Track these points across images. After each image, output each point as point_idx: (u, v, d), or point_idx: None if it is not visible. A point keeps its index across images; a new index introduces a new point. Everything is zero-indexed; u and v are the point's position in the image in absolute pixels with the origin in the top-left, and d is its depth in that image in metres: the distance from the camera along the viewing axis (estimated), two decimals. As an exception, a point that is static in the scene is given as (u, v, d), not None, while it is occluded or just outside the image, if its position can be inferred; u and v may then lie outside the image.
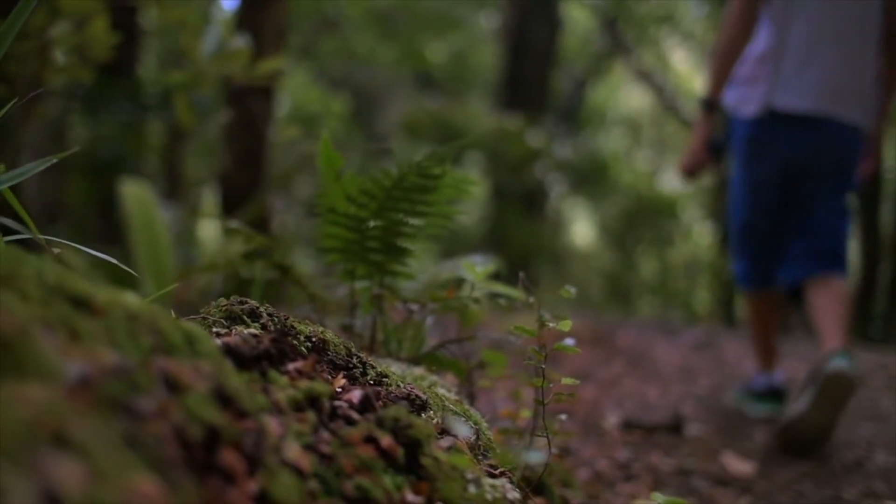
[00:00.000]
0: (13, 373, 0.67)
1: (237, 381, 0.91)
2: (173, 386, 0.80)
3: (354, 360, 1.34)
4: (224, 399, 0.86)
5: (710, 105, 4.53)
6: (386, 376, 1.36)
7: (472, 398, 2.00)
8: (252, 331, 1.21)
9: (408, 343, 1.93)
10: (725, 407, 4.72)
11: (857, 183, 4.52)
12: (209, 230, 9.70)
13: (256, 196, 4.88)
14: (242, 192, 4.94)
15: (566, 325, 1.59)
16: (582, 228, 21.15)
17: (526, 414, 1.94)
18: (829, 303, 4.16)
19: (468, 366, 2.00)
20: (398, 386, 1.35)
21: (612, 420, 4.18)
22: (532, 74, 13.19)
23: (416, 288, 2.01)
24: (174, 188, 9.74)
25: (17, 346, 0.69)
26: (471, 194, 1.87)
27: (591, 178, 15.46)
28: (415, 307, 1.93)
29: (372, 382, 1.33)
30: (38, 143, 4.74)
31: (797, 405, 3.71)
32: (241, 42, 3.32)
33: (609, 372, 5.62)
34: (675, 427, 4.03)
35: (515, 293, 2.02)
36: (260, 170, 5.01)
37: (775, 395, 4.63)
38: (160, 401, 0.76)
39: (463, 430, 1.22)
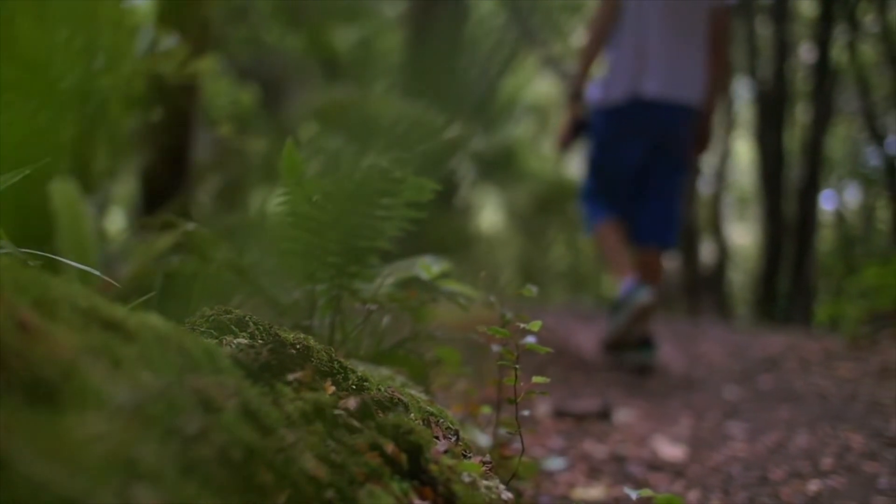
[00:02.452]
0: (70, 402, 0.68)
1: (257, 397, 0.93)
2: (207, 405, 0.81)
3: (336, 366, 1.36)
4: (250, 415, 0.87)
5: (576, 94, 5.79)
6: (366, 380, 1.38)
7: (431, 397, 2.02)
8: (241, 341, 1.22)
9: (366, 343, 1.95)
10: (650, 392, 4.81)
11: (691, 155, 5.89)
12: (117, 225, 9.56)
13: (182, 191, 4.84)
14: (167, 187, 4.89)
15: (536, 326, 1.63)
16: (491, 216, 21.25)
17: (486, 410, 1.98)
18: (645, 275, 5.53)
19: (424, 364, 2.03)
20: (378, 390, 1.37)
21: (541, 409, 4.24)
22: (441, 63, 13.17)
23: (373, 288, 2.02)
24: (83, 183, 9.56)
25: (71, 375, 0.70)
26: (430, 196, 1.91)
27: (499, 166, 15.55)
28: (373, 307, 1.95)
29: (354, 387, 1.34)
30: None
31: (616, 320, 5.32)
32: (172, 41, 3.29)
33: (534, 360, 5.68)
34: (604, 414, 4.10)
35: (472, 292, 2.06)
36: (185, 165, 4.97)
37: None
38: (202, 422, 0.78)
39: (484, 440, 1.25)
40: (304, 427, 1.01)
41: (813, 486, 2.96)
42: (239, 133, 9.07)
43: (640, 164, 5.57)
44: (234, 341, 1.22)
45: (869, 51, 16.53)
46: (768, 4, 15.74)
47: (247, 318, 1.32)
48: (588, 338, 6.81)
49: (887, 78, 16.01)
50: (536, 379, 1.62)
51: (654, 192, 5.63)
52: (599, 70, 5.78)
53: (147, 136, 5.11)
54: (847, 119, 18.43)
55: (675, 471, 3.29)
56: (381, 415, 1.18)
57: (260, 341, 1.25)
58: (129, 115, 3.53)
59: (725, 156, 18.85)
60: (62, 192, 3.67)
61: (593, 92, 5.71)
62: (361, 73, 17.08)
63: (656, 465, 3.38)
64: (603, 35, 5.52)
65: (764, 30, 16.05)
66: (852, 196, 21.32)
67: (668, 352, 6.08)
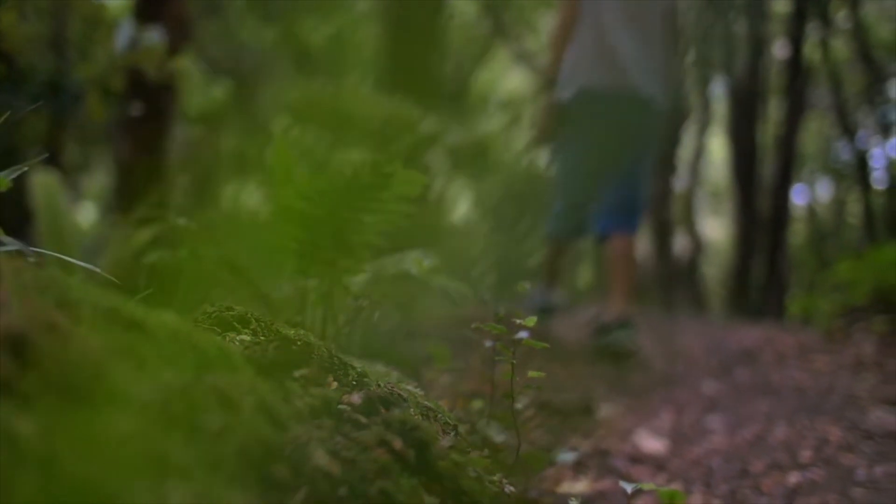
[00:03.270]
0: (102, 402, 0.68)
1: (270, 394, 0.93)
2: (226, 403, 0.81)
3: (336, 362, 1.36)
4: (265, 412, 0.87)
5: (549, 83, 5.98)
6: (366, 376, 1.38)
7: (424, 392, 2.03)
8: (244, 338, 1.21)
9: (357, 338, 1.95)
10: (632, 386, 4.84)
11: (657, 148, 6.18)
12: (89, 218, 9.51)
13: (158, 186, 4.81)
14: (143, 181, 4.85)
15: (531, 322, 1.64)
16: (464, 209, 21.25)
17: (478, 404, 1.99)
18: (620, 264, 5.70)
19: (415, 359, 2.04)
20: (378, 385, 1.37)
21: (524, 402, 4.24)
22: (416, 57, 13.15)
23: (363, 283, 2.02)
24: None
25: (101, 376, 0.70)
26: (420, 191, 1.92)
27: (472, 159, 15.54)
28: (364, 303, 1.95)
29: (354, 383, 1.34)
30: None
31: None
32: (154, 37, 3.28)
33: (515, 353, 5.67)
34: (586, 409, 4.11)
35: (463, 287, 2.06)
36: (162, 160, 4.95)
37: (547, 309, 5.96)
38: (223, 420, 0.78)
39: (500, 437, 1.26)
40: (313, 423, 1.01)
41: (793, 478, 2.98)
42: (212, 128, 9.06)
43: (608, 153, 5.83)
44: (238, 338, 1.22)
45: (841, 47, 16.64)
46: (742, 2, 15.81)
47: (249, 315, 1.32)
48: (568, 331, 6.81)
49: (859, 74, 16.13)
50: (532, 374, 1.63)
51: (620, 181, 5.86)
52: (565, 64, 5.97)
53: (125, 130, 5.08)
54: (819, 115, 18.55)
55: (657, 464, 3.32)
56: (384, 411, 1.18)
57: (262, 338, 1.25)
58: (107, 110, 3.51)
59: (699, 151, 18.94)
60: (43, 184, 3.65)
61: (560, 86, 5.95)
62: (335, 67, 17.05)
63: (638, 458, 3.40)
64: (567, 28, 5.85)
65: (738, 27, 16.12)
66: (824, 191, 21.50)
67: (648, 346, 6.10)
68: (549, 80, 6.06)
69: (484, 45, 19.93)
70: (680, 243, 16.61)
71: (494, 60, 21.14)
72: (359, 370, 1.38)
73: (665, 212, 15.19)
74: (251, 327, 1.28)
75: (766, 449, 3.41)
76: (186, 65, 3.40)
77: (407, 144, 10.43)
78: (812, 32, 15.71)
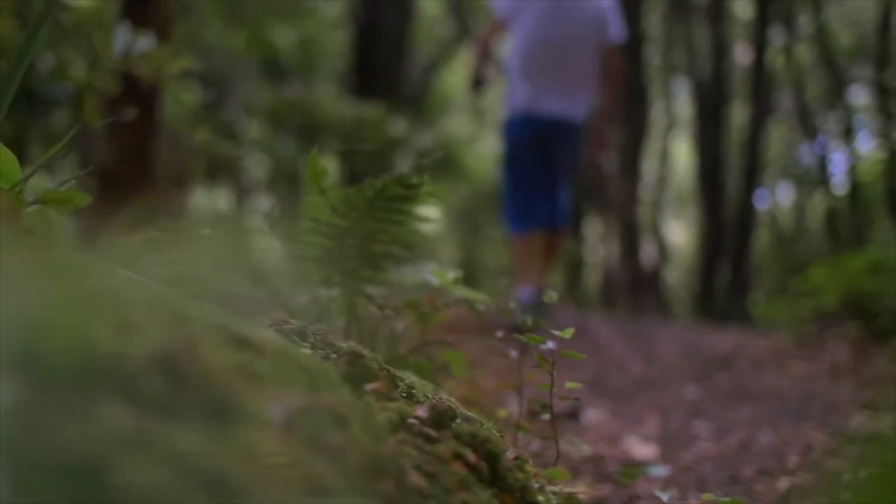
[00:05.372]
0: (241, 421, 0.69)
1: (366, 409, 0.94)
2: (338, 420, 0.83)
3: (385, 373, 1.36)
4: (368, 428, 0.89)
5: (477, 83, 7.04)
6: (413, 388, 1.39)
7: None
8: (304, 352, 1.22)
9: (382, 348, 1.97)
10: (614, 391, 4.86)
11: (580, 162, 7.25)
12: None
13: (145, 191, 4.78)
14: (128, 187, 4.83)
15: (568, 334, 1.66)
16: (430, 213, 21.22)
17: (503, 413, 2.00)
18: (546, 254, 6.69)
19: (435, 368, 2.05)
20: (426, 397, 1.38)
21: (513, 409, 4.26)
22: (384, 61, 13.18)
23: (384, 293, 2.04)
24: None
25: (227, 394, 0.71)
26: (445, 202, 1.95)
27: (438, 163, 15.58)
28: (389, 312, 1.97)
29: (404, 395, 1.35)
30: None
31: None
32: (148, 42, 3.28)
33: (500, 360, 5.69)
34: (573, 414, 4.13)
35: (485, 297, 2.09)
36: (150, 166, 4.93)
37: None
38: (341, 437, 0.79)
39: (583, 447, 1.27)
40: (393, 437, 1.03)
41: (782, 483, 3.01)
42: (183, 131, 9.03)
43: (540, 163, 6.67)
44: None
45: (804, 52, 16.82)
46: (705, 5, 15.94)
47: (306, 329, 1.32)
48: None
49: (821, 79, 16.31)
50: (570, 385, 1.65)
51: (553, 188, 6.75)
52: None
53: (109, 136, 5.04)
54: (780, 120, 18.73)
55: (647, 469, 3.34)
56: (451, 424, 1.19)
57: (319, 351, 1.26)
58: (100, 114, 3.50)
59: (664, 155, 19.07)
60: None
61: (505, 103, 7.05)
62: (304, 71, 17.04)
63: (631, 464, 3.42)
64: (486, 49, 7.03)
65: (701, 30, 16.25)
66: (785, 195, 21.70)
67: (624, 351, 6.14)
68: (477, 72, 7.09)
69: (449, 46, 19.97)
70: (646, 248, 16.70)
71: (458, 62, 21.17)
72: (407, 382, 1.39)
73: (631, 217, 15.27)
74: (309, 341, 1.29)
75: (753, 455, 3.44)
76: (184, 67, 3.41)
77: (375, 146, 10.48)
78: (775, 37, 15.86)
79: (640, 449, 3.61)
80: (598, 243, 16.25)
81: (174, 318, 0.79)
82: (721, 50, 15.58)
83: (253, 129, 11.66)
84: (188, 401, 0.67)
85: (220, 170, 12.74)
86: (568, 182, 6.97)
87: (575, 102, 6.70)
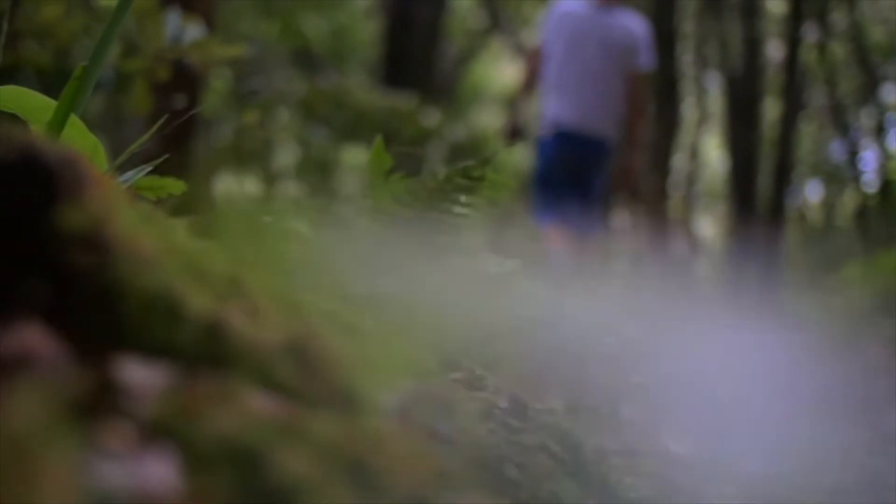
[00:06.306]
0: (354, 409, 0.70)
1: (463, 397, 0.95)
2: (444, 408, 0.83)
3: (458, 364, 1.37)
4: (470, 416, 0.89)
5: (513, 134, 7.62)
6: (483, 378, 1.39)
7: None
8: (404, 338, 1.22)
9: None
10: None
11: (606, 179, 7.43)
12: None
13: (188, 179, 4.77)
14: (170, 175, 4.82)
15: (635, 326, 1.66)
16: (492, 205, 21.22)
17: (551, 405, 2.00)
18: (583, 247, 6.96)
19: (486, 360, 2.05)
20: (494, 388, 1.39)
21: (550, 401, 4.26)
22: (416, 52, 13.17)
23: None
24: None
25: (348, 381, 0.71)
26: (507, 194, 1.97)
27: (466, 153, 15.57)
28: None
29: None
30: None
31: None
32: (198, 29, 3.30)
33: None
34: (609, 405, 4.12)
35: (541, 288, 2.09)
36: (190, 153, 4.95)
37: None
38: (453, 425, 0.80)
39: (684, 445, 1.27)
40: (487, 427, 1.03)
41: (825, 481, 3.00)
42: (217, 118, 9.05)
43: (572, 176, 6.98)
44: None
45: (837, 48, 16.72)
46: (738, 1, 15.85)
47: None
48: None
49: (854, 76, 16.22)
50: (638, 379, 1.65)
51: (583, 201, 7.03)
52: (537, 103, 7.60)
53: (152, 124, 5.02)
54: (813, 115, 18.63)
55: (689, 465, 3.32)
56: (531, 414, 1.20)
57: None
58: (149, 101, 3.52)
59: (695, 150, 19.01)
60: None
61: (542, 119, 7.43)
62: (335, 62, 17.06)
63: (669, 458, 3.41)
64: (531, 81, 7.38)
65: (733, 26, 16.15)
66: (814, 192, 21.60)
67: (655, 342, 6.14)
68: (512, 121, 7.82)
69: (480, 38, 19.96)
70: (677, 243, 16.64)
71: (489, 54, 21.16)
72: (478, 373, 1.40)
73: (662, 212, 15.23)
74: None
75: (790, 450, 3.42)
76: (236, 54, 3.44)
77: (408, 137, 10.46)
78: (808, 33, 15.77)
79: (677, 444, 3.60)
80: (627, 236, 16.21)
81: (289, 303, 0.80)
82: (754, 46, 15.48)
83: (284, 117, 11.65)
84: (318, 388, 0.67)
85: (250, 157, 12.77)
86: (598, 198, 7.47)
87: (603, 121, 7.08)
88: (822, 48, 16.08)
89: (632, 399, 4.26)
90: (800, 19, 15.16)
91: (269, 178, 13.03)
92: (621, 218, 15.27)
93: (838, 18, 16.39)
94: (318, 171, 11.89)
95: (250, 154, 12.34)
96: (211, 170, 8.29)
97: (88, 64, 1.34)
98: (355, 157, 12.24)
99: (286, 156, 13.57)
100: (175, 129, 4.96)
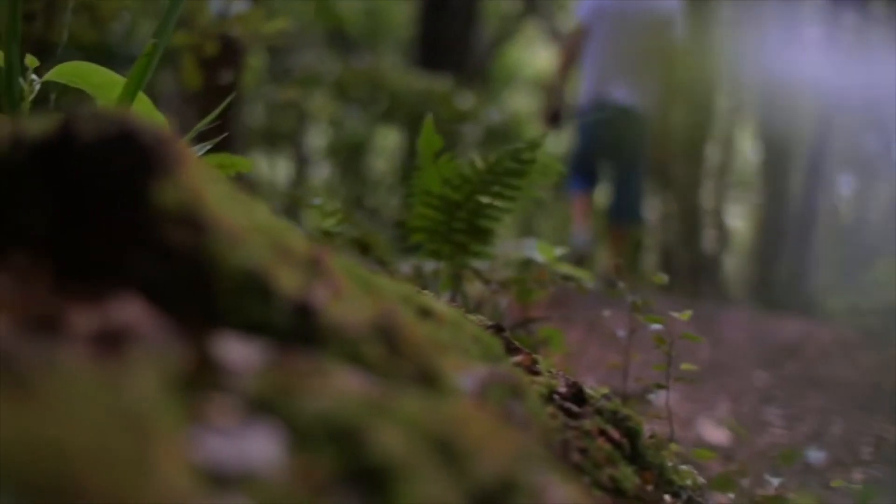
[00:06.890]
0: (436, 389, 0.70)
1: (527, 382, 0.96)
2: (515, 391, 0.84)
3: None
4: (536, 400, 0.90)
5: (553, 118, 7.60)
6: (537, 362, 1.40)
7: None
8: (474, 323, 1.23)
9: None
10: (682, 373, 4.85)
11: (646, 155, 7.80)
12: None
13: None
14: (213, 151, 4.81)
15: (686, 317, 1.67)
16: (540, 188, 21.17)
17: (605, 391, 2.01)
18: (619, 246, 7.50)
19: (535, 344, 2.07)
20: (549, 372, 1.39)
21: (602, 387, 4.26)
22: (451, 34, 13.12)
23: (488, 268, 2.06)
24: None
25: (430, 362, 0.72)
26: (556, 177, 1.98)
27: (499, 135, 15.52)
28: (494, 286, 1.98)
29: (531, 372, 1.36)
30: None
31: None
32: (242, 3, 3.31)
33: (570, 339, 5.68)
34: (643, 394, 4.13)
35: (586, 275, 2.10)
36: (233, 129, 4.95)
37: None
38: (523, 408, 0.80)
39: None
40: (547, 412, 1.04)
41: (857, 474, 3.00)
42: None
43: (610, 148, 7.35)
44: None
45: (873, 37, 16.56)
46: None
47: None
48: (616, 316, 6.81)
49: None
50: (685, 366, 1.66)
51: (622, 180, 7.54)
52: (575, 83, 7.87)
53: (192, 100, 5.04)
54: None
55: (725, 454, 3.33)
56: (590, 400, 1.21)
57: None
58: (197, 76, 3.54)
59: (728, 140, 18.88)
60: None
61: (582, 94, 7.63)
62: (369, 43, 17.03)
63: (705, 447, 3.41)
64: (571, 61, 7.54)
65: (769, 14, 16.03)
66: (847, 185, 21.43)
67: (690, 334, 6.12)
68: (554, 100, 7.80)
69: (515, 21, 19.86)
70: (707, 233, 16.54)
71: (524, 38, 21.05)
72: (532, 357, 1.40)
73: (693, 200, 15.16)
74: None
75: (825, 444, 3.42)
76: (281, 27, 3.46)
77: (443, 119, 10.43)
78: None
79: (713, 433, 3.60)
80: (658, 225, 16.11)
81: (368, 287, 0.81)
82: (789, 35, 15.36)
83: (316, 98, 11.64)
84: (403, 368, 0.68)
85: (281, 137, 12.78)
86: (637, 170, 7.69)
87: (642, 94, 7.33)
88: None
89: (673, 387, 4.25)
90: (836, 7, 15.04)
91: (300, 159, 13.06)
92: (653, 207, 15.22)
93: (876, 6, 16.22)
94: (348, 153, 11.89)
95: (283, 134, 12.37)
96: (245, 148, 8.32)
97: (156, 40, 1.35)
98: (389, 139, 12.25)
99: (319, 137, 13.58)
100: (218, 106, 4.97)
